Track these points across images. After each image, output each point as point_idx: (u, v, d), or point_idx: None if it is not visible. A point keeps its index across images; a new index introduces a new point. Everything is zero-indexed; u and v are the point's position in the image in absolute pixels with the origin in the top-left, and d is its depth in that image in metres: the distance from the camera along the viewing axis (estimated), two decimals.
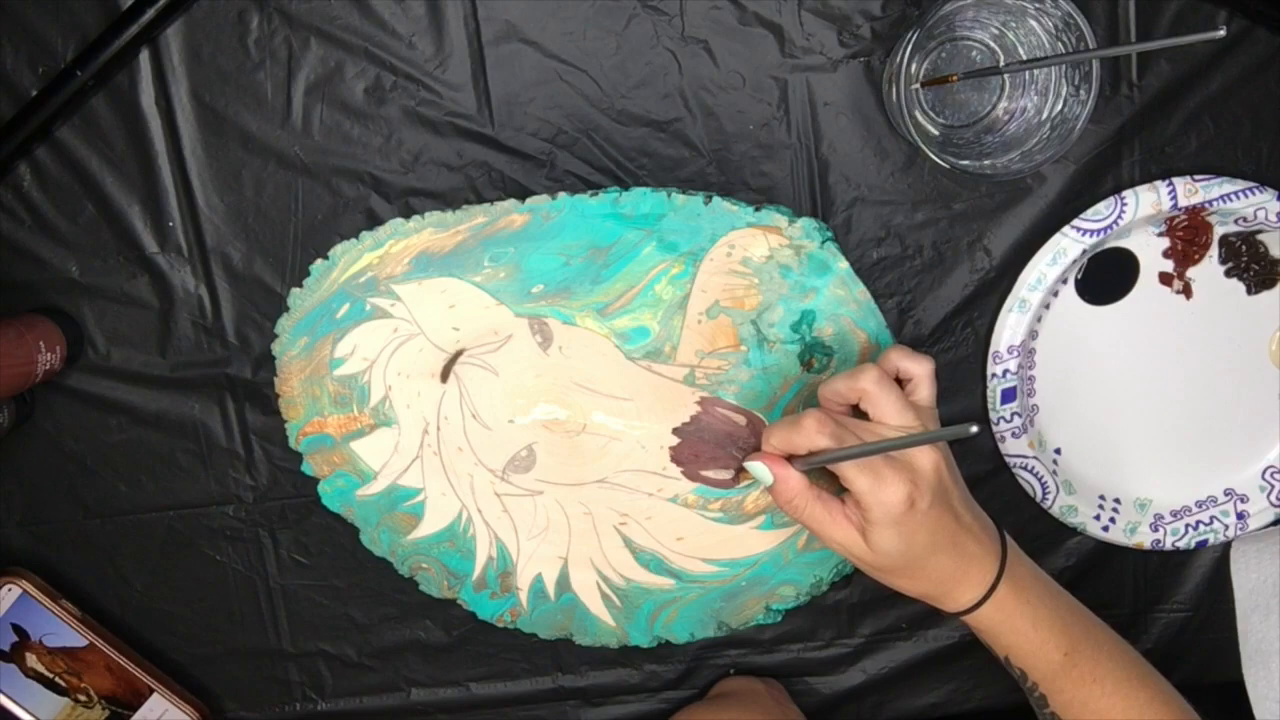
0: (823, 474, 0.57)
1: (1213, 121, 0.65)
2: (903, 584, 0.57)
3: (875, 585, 0.71)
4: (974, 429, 0.46)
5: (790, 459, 0.56)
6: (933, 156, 0.59)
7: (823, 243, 0.63)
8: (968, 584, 0.56)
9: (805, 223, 0.62)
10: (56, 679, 0.69)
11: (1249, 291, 0.68)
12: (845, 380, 0.56)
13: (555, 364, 0.65)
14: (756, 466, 0.57)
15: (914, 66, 0.62)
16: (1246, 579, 0.70)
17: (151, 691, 0.69)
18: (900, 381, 0.58)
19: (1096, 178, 0.65)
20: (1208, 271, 0.67)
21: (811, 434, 0.54)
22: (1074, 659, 0.57)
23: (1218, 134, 0.65)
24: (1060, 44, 0.59)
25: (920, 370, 0.58)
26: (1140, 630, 0.72)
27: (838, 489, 0.56)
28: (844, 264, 0.63)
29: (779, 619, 0.70)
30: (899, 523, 0.54)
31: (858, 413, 0.58)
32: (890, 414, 0.56)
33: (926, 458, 0.54)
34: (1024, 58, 0.61)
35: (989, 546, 0.57)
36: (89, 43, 0.62)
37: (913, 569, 0.56)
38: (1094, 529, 0.70)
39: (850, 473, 0.54)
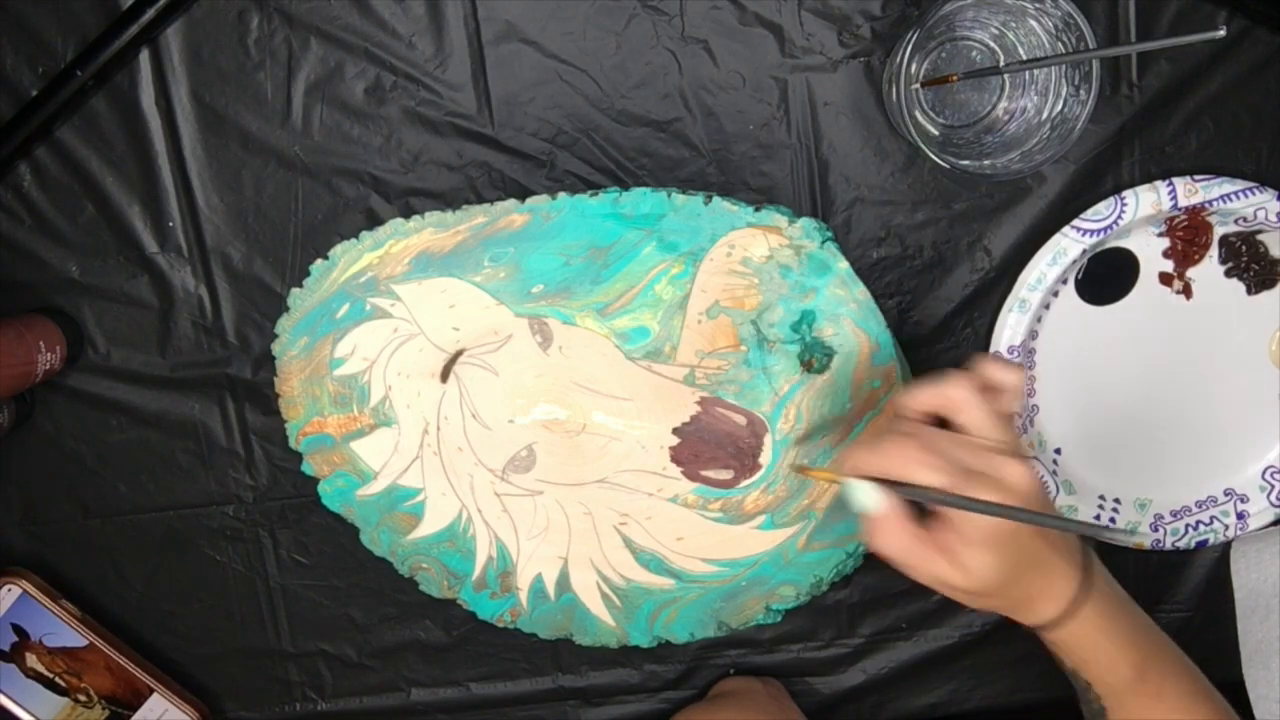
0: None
1: (1213, 121, 0.65)
2: (991, 603, 0.53)
3: (875, 585, 0.71)
4: (1134, 538, 0.41)
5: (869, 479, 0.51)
6: (933, 156, 0.59)
7: (823, 243, 0.63)
8: (1051, 597, 0.53)
9: (805, 223, 0.62)
10: (56, 679, 0.69)
11: (1249, 291, 0.68)
12: (931, 391, 0.51)
13: (555, 364, 0.65)
14: (862, 490, 0.50)
15: (914, 66, 0.62)
16: (1246, 579, 0.70)
17: (151, 691, 0.69)
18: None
19: (1096, 178, 0.65)
20: (1208, 271, 0.67)
21: (912, 466, 0.48)
22: (1143, 674, 0.55)
23: (1218, 134, 0.65)
24: (1060, 44, 0.59)
25: (1013, 381, 0.52)
26: None
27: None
28: (844, 264, 0.63)
29: (779, 619, 0.70)
30: (998, 544, 0.49)
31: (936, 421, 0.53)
32: (986, 428, 0.51)
33: (1020, 475, 0.50)
34: (1024, 58, 0.61)
35: (1073, 561, 0.54)
36: (89, 43, 0.62)
37: (1005, 587, 0.51)
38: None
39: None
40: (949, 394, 0.51)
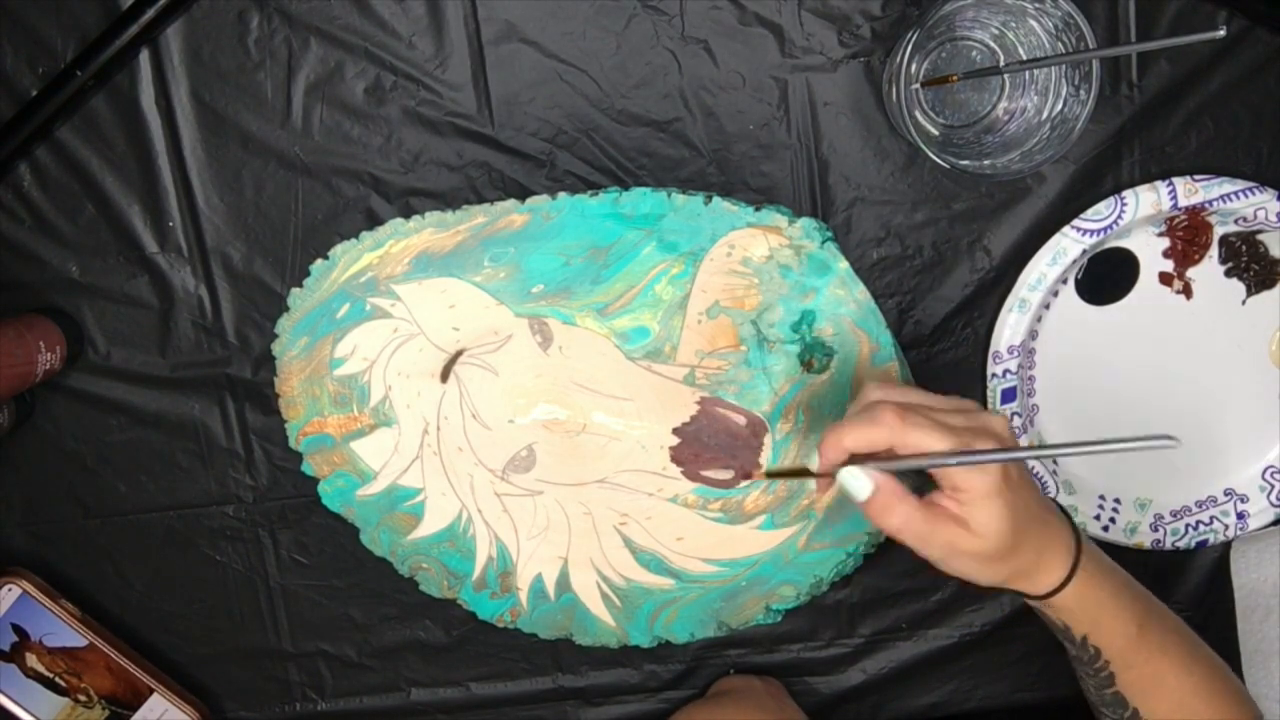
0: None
1: (1213, 121, 0.65)
2: (1003, 568, 0.52)
3: (875, 585, 0.71)
4: (1174, 440, 0.41)
5: (854, 459, 0.50)
6: (933, 156, 0.59)
7: (823, 243, 0.63)
8: (1055, 558, 0.53)
9: (805, 223, 0.62)
10: (56, 679, 0.69)
11: (1249, 291, 0.68)
12: (858, 432, 0.49)
13: (555, 364, 0.65)
14: (853, 475, 0.50)
15: (914, 66, 0.62)
16: (1246, 579, 0.70)
17: (151, 691, 0.69)
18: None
19: (1096, 178, 0.65)
20: (1208, 271, 0.67)
21: (898, 432, 0.48)
22: (1145, 631, 0.56)
23: (1218, 134, 0.65)
24: (1060, 44, 0.59)
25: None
26: None
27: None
28: (844, 264, 0.63)
29: (779, 619, 0.70)
30: (1001, 492, 0.49)
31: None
32: (939, 402, 0.51)
33: (999, 423, 0.50)
34: (1024, 58, 0.61)
35: (1063, 520, 0.54)
36: (89, 43, 0.62)
37: (1016, 546, 0.51)
38: (1094, 529, 0.70)
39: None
40: (880, 438, 0.49)
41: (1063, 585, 0.53)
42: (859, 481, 0.50)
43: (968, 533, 0.50)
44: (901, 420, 0.48)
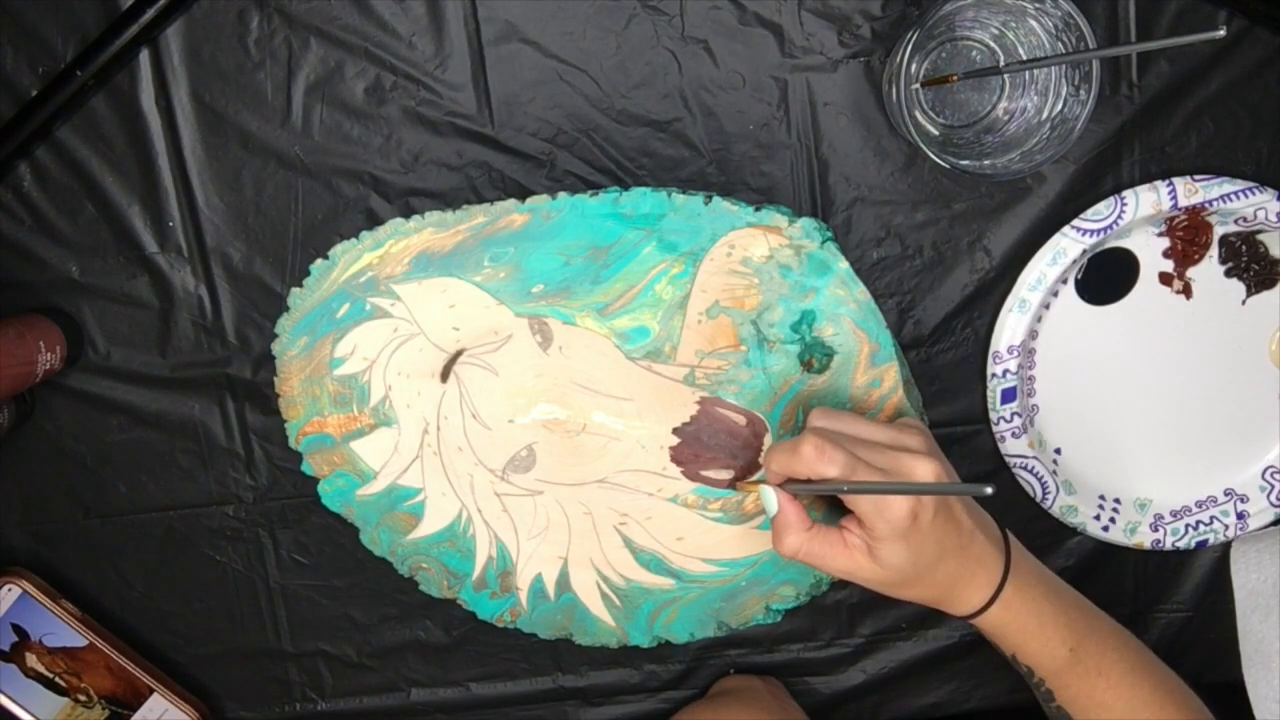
0: (822, 502, 0.57)
1: (1213, 121, 0.65)
2: (910, 594, 0.57)
3: None
4: (989, 490, 0.45)
5: (788, 482, 0.55)
6: (933, 156, 0.59)
7: (823, 243, 0.63)
8: (974, 587, 0.56)
9: (805, 223, 0.62)
10: (56, 679, 0.69)
11: (1249, 291, 0.68)
12: (780, 458, 0.54)
13: (555, 364, 0.65)
14: (767, 493, 0.55)
15: (914, 66, 0.62)
16: (1246, 579, 0.70)
17: (151, 691, 0.69)
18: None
19: (1096, 178, 0.65)
20: (1208, 271, 0.67)
21: (812, 463, 0.52)
22: (1079, 655, 0.57)
23: (1218, 134, 0.65)
24: (1060, 44, 0.59)
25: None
26: (1140, 630, 0.72)
27: (828, 511, 0.57)
28: (844, 264, 0.63)
29: (779, 619, 0.70)
30: (906, 537, 0.53)
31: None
32: (876, 433, 0.56)
33: (927, 469, 0.54)
34: (1024, 58, 0.61)
35: (993, 549, 0.57)
36: (89, 43, 0.62)
37: (922, 579, 0.55)
38: (1094, 529, 0.70)
39: (851, 495, 0.53)
40: (804, 451, 0.53)
41: (981, 610, 0.57)
42: (769, 501, 0.55)
43: (870, 563, 0.54)
44: (818, 454, 0.52)
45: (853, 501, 0.54)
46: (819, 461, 0.52)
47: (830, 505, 0.62)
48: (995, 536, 0.57)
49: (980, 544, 0.56)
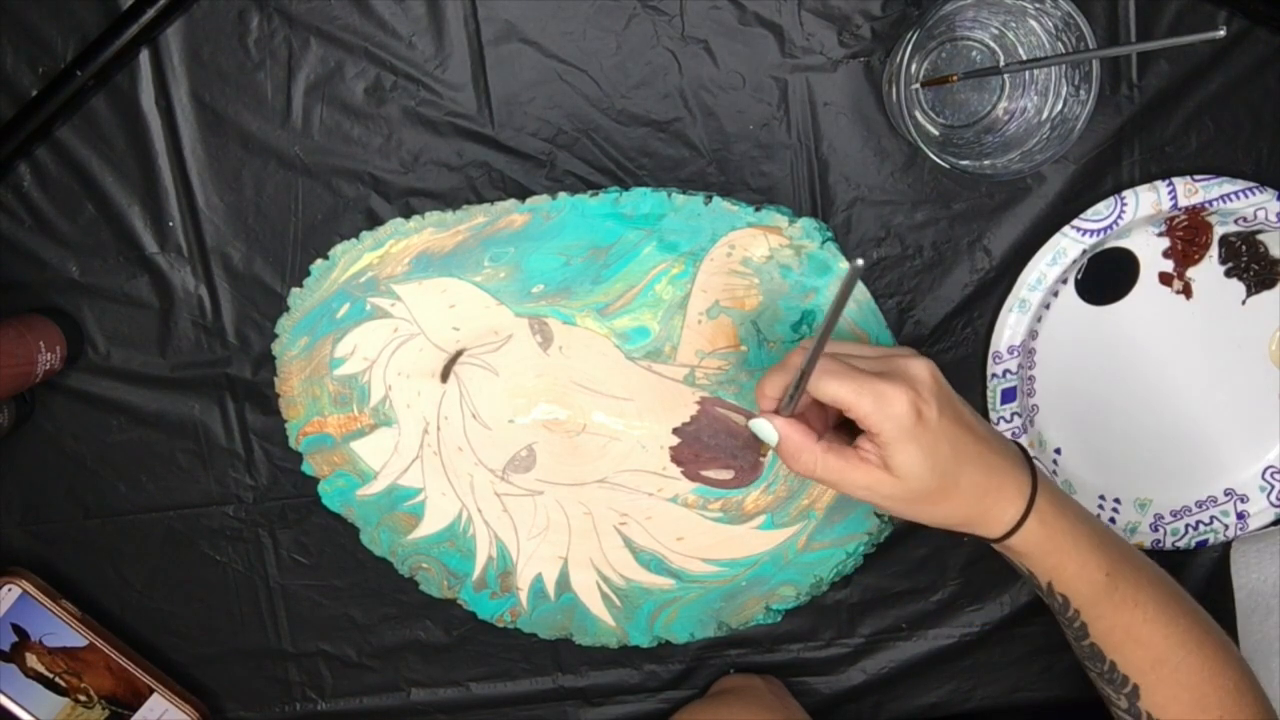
0: (837, 432, 0.55)
1: (1213, 121, 0.65)
2: (941, 510, 0.53)
3: (875, 585, 0.71)
4: (860, 261, 0.42)
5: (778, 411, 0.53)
6: (933, 156, 0.59)
7: (823, 243, 0.63)
8: (1005, 499, 0.53)
9: (805, 223, 0.62)
10: (56, 679, 0.69)
11: (1249, 291, 0.68)
12: (773, 377, 0.52)
13: (555, 364, 0.65)
14: (760, 424, 0.52)
15: (914, 66, 0.62)
16: (1246, 579, 0.70)
17: (151, 691, 0.69)
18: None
19: (1096, 178, 0.65)
20: (1208, 271, 0.67)
21: (799, 364, 0.50)
22: (1115, 580, 0.55)
23: (1218, 134, 0.65)
24: (1060, 44, 0.59)
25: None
26: None
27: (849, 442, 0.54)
28: (844, 264, 0.63)
29: (779, 619, 0.70)
30: (915, 436, 0.50)
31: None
32: (835, 384, 0.52)
33: (920, 367, 0.51)
34: (1024, 58, 0.61)
35: (1015, 459, 0.54)
36: (89, 43, 0.62)
37: (946, 488, 0.52)
38: None
39: (851, 400, 0.50)
40: (793, 362, 0.51)
41: (1016, 527, 0.53)
42: (766, 429, 0.52)
43: (888, 476, 0.51)
44: (804, 354, 0.50)
45: (853, 409, 0.50)
46: (826, 375, 0.50)
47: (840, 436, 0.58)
48: (1013, 449, 0.54)
49: (999, 453, 0.53)
